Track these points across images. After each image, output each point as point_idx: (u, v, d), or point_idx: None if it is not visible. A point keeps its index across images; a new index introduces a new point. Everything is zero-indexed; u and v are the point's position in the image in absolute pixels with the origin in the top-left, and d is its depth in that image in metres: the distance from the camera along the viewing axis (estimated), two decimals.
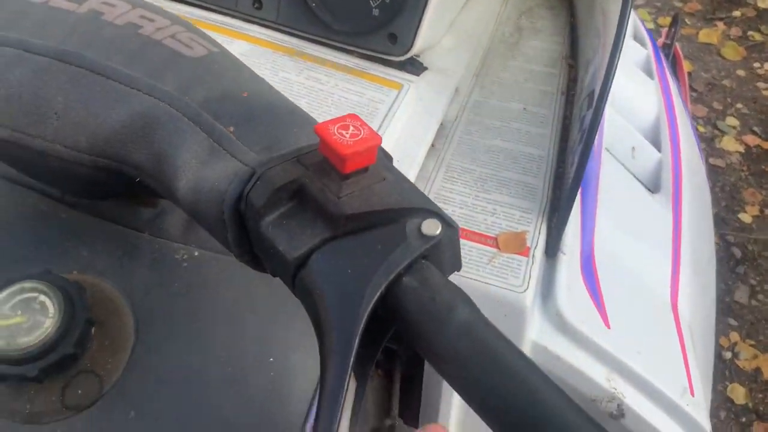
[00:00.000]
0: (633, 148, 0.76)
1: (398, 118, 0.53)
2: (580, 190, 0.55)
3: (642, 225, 0.66)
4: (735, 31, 2.21)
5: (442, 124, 0.58)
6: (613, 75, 0.47)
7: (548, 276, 0.50)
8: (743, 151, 1.83)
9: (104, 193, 0.47)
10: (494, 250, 0.49)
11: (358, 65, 0.57)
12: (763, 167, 1.79)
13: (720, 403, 1.32)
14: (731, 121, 1.91)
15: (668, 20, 2.27)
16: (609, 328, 0.51)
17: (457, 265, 0.28)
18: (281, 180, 0.27)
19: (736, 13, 2.28)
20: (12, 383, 0.42)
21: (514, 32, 0.72)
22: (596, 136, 0.68)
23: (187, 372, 0.44)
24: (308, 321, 0.29)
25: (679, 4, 2.33)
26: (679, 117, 0.87)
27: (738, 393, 1.34)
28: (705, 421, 0.49)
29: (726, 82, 2.03)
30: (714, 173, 1.78)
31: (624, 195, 0.68)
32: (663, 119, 0.82)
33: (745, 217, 1.67)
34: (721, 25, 2.23)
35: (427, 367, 0.55)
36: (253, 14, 0.59)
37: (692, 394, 0.51)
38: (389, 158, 0.30)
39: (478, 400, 0.24)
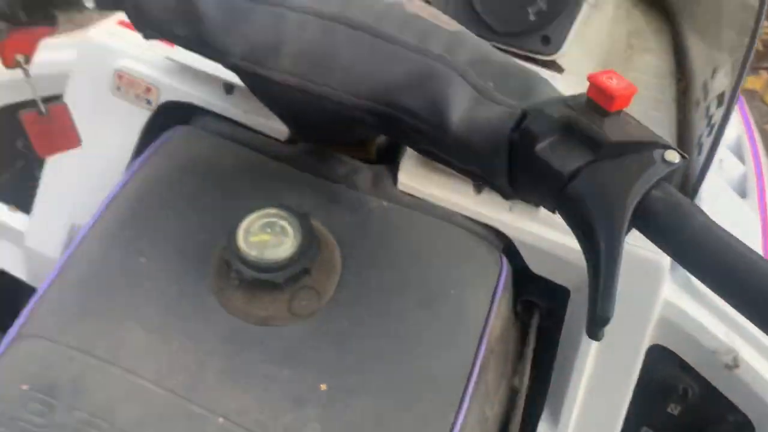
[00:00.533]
0: (721, 160, 0.85)
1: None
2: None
3: (734, 222, 0.75)
4: None
5: None
6: (744, 78, 0.57)
7: None
8: None
9: (342, 136, 0.57)
10: None
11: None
12: None
13: None
14: None
15: None
16: None
17: (695, 191, 0.37)
18: (557, 114, 0.37)
19: None
20: (250, 290, 0.51)
21: (627, 49, 0.82)
22: None
23: (384, 293, 0.53)
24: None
25: None
26: (756, 137, 0.97)
27: None
28: None
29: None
30: None
31: (721, 195, 0.77)
32: (744, 138, 0.92)
33: None
34: (764, 74, 2.34)
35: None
36: None
37: None
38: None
39: (717, 281, 0.33)
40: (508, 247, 0.59)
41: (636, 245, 0.56)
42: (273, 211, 0.52)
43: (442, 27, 0.44)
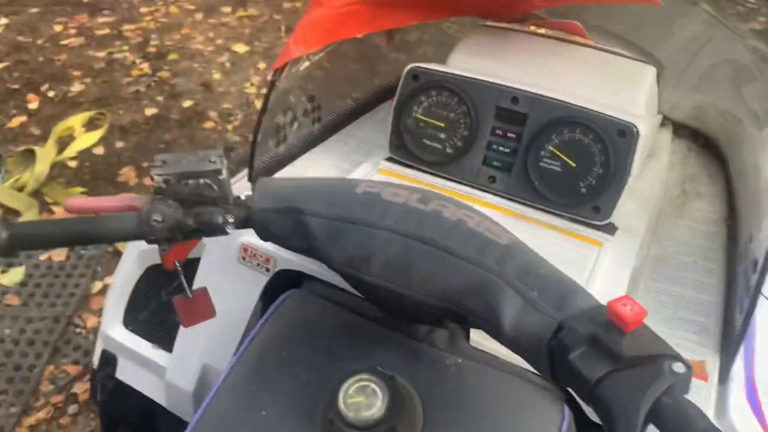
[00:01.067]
0: None
1: (601, 269, 0.73)
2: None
3: None
4: None
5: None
6: None
7: (722, 398, 0.67)
8: None
9: (423, 320, 0.69)
10: None
11: (569, 227, 0.78)
12: None
13: None
14: None
15: None
16: None
17: (687, 391, 0.47)
18: (585, 331, 0.47)
19: None
20: None
21: (680, 195, 0.91)
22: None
23: None
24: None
25: None
26: None
27: None
28: None
29: None
30: None
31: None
32: None
33: None
34: None
35: None
36: (488, 186, 0.82)
37: None
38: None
39: None
40: (570, 397, 0.69)
41: None
42: (365, 376, 0.64)
43: (497, 241, 0.56)
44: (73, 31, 3.28)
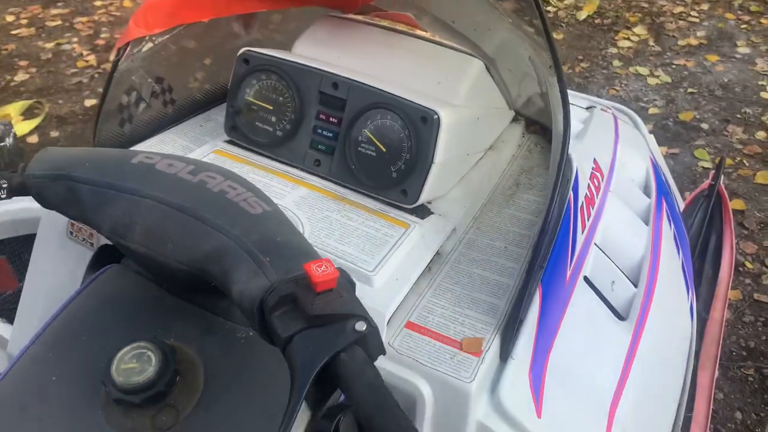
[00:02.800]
0: (613, 282, 0.94)
1: (401, 249, 0.75)
2: (539, 313, 0.75)
3: (600, 345, 0.83)
4: None
5: (439, 253, 0.80)
6: (551, 221, 0.68)
7: (498, 374, 0.69)
8: None
9: (193, 287, 0.72)
10: (457, 350, 0.69)
11: (381, 209, 0.80)
12: None
13: None
14: None
15: (727, 161, 2.41)
16: (540, 418, 0.68)
17: (381, 350, 0.49)
18: (286, 291, 0.50)
19: None
20: (124, 407, 0.65)
21: (512, 186, 0.94)
22: (574, 270, 0.87)
23: (236, 410, 0.66)
24: None
25: (739, 146, 2.47)
26: (667, 260, 1.04)
27: None
28: None
29: None
30: (760, 308, 1.86)
31: (591, 319, 0.86)
32: (647, 261, 1.00)
33: None
34: None
35: None
36: (314, 169, 0.85)
37: None
38: (352, 284, 0.52)
39: (367, 417, 0.45)
40: None
41: (445, 373, 0.66)
42: (143, 344, 0.66)
43: (249, 212, 0.58)
44: (24, 22, 3.29)
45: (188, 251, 0.57)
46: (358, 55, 0.89)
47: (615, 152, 1.23)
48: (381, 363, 0.68)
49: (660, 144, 2.45)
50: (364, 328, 0.47)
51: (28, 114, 2.55)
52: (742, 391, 1.66)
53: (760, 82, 2.80)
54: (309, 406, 0.50)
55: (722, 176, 1.90)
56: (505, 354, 0.71)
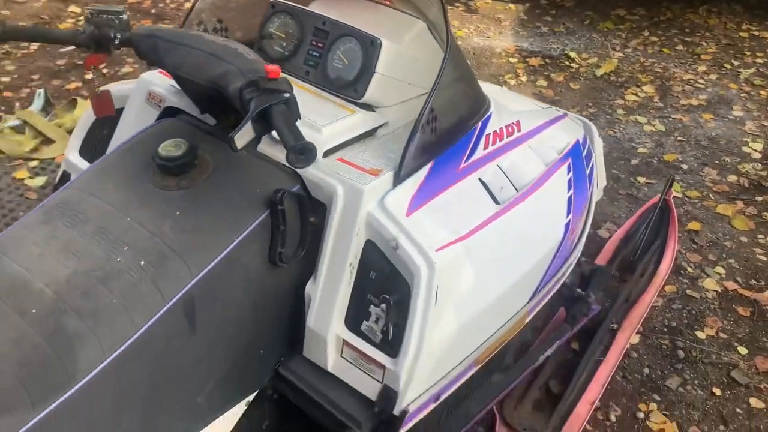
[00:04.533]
0: (502, 187, 1.36)
1: (346, 120, 1.21)
2: (427, 174, 1.18)
3: (472, 208, 1.25)
4: (751, 210, 2.65)
5: (375, 136, 1.25)
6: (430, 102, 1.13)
7: (388, 192, 1.13)
8: (720, 291, 2.23)
9: (215, 101, 1.17)
10: (365, 173, 1.13)
11: (342, 103, 1.27)
12: (734, 306, 2.17)
13: None
14: (719, 270, 2.33)
15: (695, 193, 2.76)
16: (408, 216, 1.11)
17: (297, 115, 0.95)
18: (252, 79, 0.96)
19: (759, 198, 2.72)
20: (162, 172, 1.11)
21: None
22: (468, 167, 1.30)
23: (228, 189, 1.11)
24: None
25: (710, 184, 2.82)
26: (551, 188, 1.45)
27: None
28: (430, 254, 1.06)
29: (727, 243, 2.46)
30: (688, 301, 2.19)
31: (473, 196, 1.28)
32: (533, 182, 1.42)
33: (700, 334, 2.05)
34: (740, 204, 2.68)
35: None
36: (305, 77, 1.32)
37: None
38: (290, 86, 0.98)
39: (279, 131, 0.91)
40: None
41: (355, 181, 1.10)
42: (178, 139, 1.14)
43: (244, 55, 1.06)
44: None
45: (210, 72, 1.05)
46: (345, 13, 1.37)
47: (544, 127, 1.66)
48: (319, 174, 1.12)
49: (641, 175, 2.84)
50: (288, 95, 0.93)
51: None
52: (655, 355, 1.99)
53: (744, 139, 3.16)
54: (255, 131, 0.95)
55: (671, 191, 2.29)
56: (395, 182, 1.14)
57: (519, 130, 1.53)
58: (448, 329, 1.11)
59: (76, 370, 0.89)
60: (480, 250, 1.19)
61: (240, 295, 1.07)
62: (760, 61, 3.96)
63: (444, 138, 1.23)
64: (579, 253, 1.66)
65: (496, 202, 1.31)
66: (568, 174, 1.57)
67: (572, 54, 3.97)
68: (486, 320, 1.22)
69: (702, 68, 3.86)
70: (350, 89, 1.27)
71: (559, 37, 4.26)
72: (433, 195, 1.21)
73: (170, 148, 1.11)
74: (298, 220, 1.13)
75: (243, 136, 0.95)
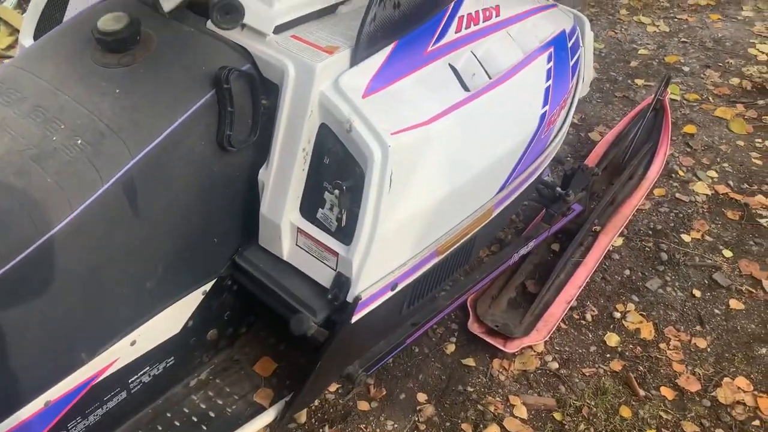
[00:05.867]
0: (474, 74, 1.29)
1: None
2: (388, 55, 1.10)
3: (439, 94, 1.18)
4: (751, 113, 2.55)
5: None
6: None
7: (344, 72, 1.06)
8: (710, 194, 2.18)
9: None
10: (320, 50, 1.06)
11: None
12: (723, 210, 2.12)
13: (595, 342, 1.70)
14: (712, 173, 2.26)
15: (694, 96, 2.66)
16: (364, 98, 1.05)
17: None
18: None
19: (760, 102, 2.61)
20: (102, 48, 1.04)
21: None
22: (436, 51, 1.22)
23: (169, 71, 1.04)
24: None
25: (710, 87, 2.71)
26: (526, 77, 1.37)
27: (612, 339, 1.70)
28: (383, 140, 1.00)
29: (723, 147, 2.39)
30: (677, 204, 2.14)
31: (440, 82, 1.21)
32: (509, 70, 1.34)
33: (686, 237, 2.02)
34: (740, 107, 2.58)
35: None
36: None
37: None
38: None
39: None
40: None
41: (306, 59, 1.03)
42: (121, 13, 1.06)
43: None
44: None
45: None
46: None
47: (527, 15, 1.56)
48: (270, 52, 1.05)
49: (639, 77, 2.74)
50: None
51: None
52: (637, 257, 1.96)
53: (751, 40, 3.01)
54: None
55: (667, 90, 2.19)
56: (353, 62, 1.07)
57: (498, 15, 1.43)
58: (403, 216, 1.07)
59: (9, 251, 0.86)
60: (443, 137, 1.14)
61: (186, 178, 1.03)
62: None
63: (408, 16, 1.15)
64: (557, 147, 1.60)
65: (466, 89, 1.24)
66: (548, 63, 1.49)
67: None
68: (446, 209, 1.18)
69: None
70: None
71: None
72: (395, 78, 1.14)
73: (110, 21, 1.04)
74: (250, 102, 1.07)
75: None
